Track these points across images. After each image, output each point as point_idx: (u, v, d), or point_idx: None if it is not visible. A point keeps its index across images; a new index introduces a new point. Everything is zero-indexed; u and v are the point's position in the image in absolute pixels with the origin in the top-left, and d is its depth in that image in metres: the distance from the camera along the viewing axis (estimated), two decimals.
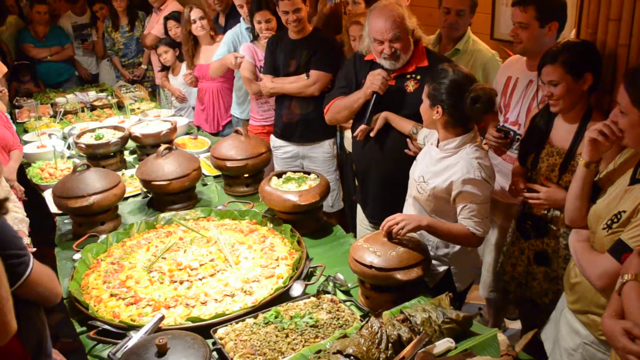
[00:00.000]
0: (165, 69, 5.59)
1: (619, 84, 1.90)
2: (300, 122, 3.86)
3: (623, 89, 1.85)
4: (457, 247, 2.53)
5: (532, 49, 2.82)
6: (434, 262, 2.49)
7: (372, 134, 2.91)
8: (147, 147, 3.94)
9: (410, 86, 2.90)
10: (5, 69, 4.92)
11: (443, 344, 1.81)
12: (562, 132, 2.50)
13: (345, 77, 3.15)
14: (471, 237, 2.34)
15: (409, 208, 2.63)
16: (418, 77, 2.88)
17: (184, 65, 5.27)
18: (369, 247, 2.20)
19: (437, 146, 2.48)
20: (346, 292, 2.36)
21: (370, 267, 2.13)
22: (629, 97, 1.82)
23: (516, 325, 3.47)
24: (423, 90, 2.51)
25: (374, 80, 2.87)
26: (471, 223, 2.33)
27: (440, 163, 2.43)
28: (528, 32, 2.77)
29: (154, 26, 6.09)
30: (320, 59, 3.71)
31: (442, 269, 2.55)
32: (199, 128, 4.99)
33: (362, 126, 2.92)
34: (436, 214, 2.46)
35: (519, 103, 2.95)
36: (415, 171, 2.56)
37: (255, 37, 4.25)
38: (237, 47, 4.50)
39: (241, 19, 4.52)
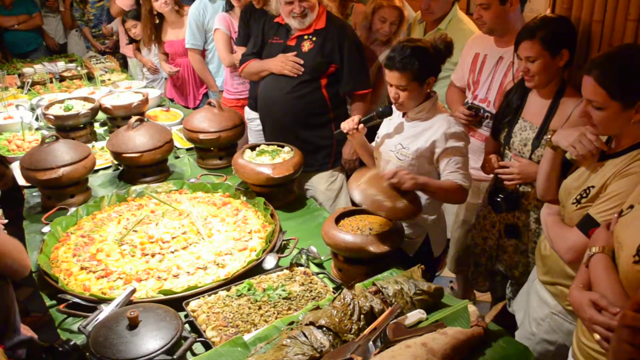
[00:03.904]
0: (132, 41, 5.47)
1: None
2: None
3: (595, 85, 1.78)
4: (435, 213, 2.60)
5: (498, 28, 2.82)
6: (411, 230, 2.53)
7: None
8: (117, 119, 3.87)
9: (306, 46, 3.26)
10: None
11: (414, 315, 1.83)
12: (535, 107, 2.51)
13: (255, 39, 3.51)
14: (460, 191, 2.39)
15: None
16: (314, 38, 3.25)
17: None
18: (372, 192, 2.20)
19: (403, 117, 2.55)
20: (319, 265, 2.36)
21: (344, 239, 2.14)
22: (606, 92, 1.76)
23: (486, 297, 3.53)
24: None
25: (285, 66, 3.26)
26: (458, 176, 2.37)
27: (415, 128, 2.49)
28: (491, 12, 2.76)
29: None
30: None
31: (420, 236, 2.58)
32: (172, 100, 4.91)
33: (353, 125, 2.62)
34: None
35: (488, 79, 2.95)
36: (388, 145, 2.58)
37: (230, 7, 4.16)
38: (203, 21, 4.41)
39: None
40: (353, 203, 2.56)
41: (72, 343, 1.83)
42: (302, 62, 3.24)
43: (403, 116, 2.56)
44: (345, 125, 2.62)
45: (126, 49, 5.97)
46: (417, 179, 2.25)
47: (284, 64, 3.27)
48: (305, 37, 3.26)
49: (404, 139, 2.51)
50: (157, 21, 4.86)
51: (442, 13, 3.49)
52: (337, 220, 2.30)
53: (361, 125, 2.59)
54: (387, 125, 2.66)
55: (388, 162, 2.58)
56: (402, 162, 2.51)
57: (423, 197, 2.53)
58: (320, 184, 3.45)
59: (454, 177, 2.37)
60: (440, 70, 2.46)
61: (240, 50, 3.84)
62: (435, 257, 2.69)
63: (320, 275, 2.25)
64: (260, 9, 3.72)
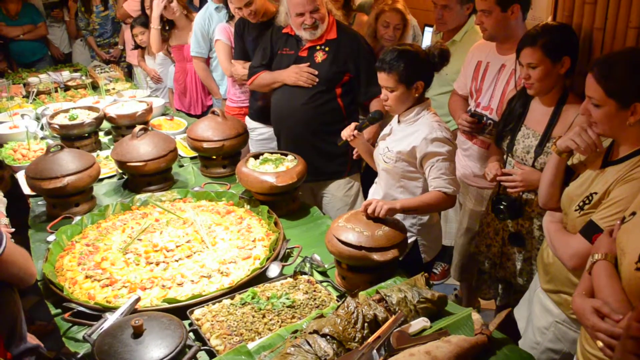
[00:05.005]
0: (138, 47, 5.50)
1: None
2: None
3: (594, 82, 1.82)
4: (425, 218, 2.62)
5: (498, 34, 2.83)
6: None
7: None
8: (122, 128, 3.89)
9: (319, 57, 3.25)
10: None
11: (418, 323, 1.83)
12: (538, 114, 2.52)
13: (264, 51, 3.46)
14: (445, 198, 2.40)
15: (377, 187, 2.74)
16: (326, 48, 3.24)
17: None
18: (350, 226, 2.20)
19: (398, 122, 2.58)
20: (323, 273, 2.36)
21: (350, 245, 2.14)
22: (603, 89, 1.80)
23: (490, 305, 3.52)
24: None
25: (300, 77, 3.25)
26: (441, 182, 2.39)
27: (402, 132, 2.53)
28: (492, 18, 2.77)
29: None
30: None
31: (409, 240, 2.59)
32: (179, 111, 4.92)
33: (350, 132, 2.76)
34: (405, 178, 2.55)
35: (490, 87, 2.96)
36: (379, 148, 2.65)
37: (231, 17, 4.18)
38: (208, 30, 4.44)
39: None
40: None
41: (79, 356, 1.84)
42: (316, 72, 3.23)
43: (399, 122, 2.59)
44: (344, 133, 2.72)
45: (131, 56, 5.99)
46: (392, 205, 2.26)
47: (298, 75, 3.25)
48: (318, 47, 3.25)
49: (391, 142, 2.57)
50: (168, 27, 4.90)
51: (456, 24, 3.44)
52: None
53: (356, 131, 2.68)
54: (385, 130, 2.69)
55: (378, 165, 2.65)
56: (387, 165, 2.56)
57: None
58: (338, 191, 3.46)
59: (437, 184, 2.40)
60: (433, 76, 2.50)
61: (237, 64, 3.85)
62: (426, 262, 2.71)
63: (324, 284, 2.25)
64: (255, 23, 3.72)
